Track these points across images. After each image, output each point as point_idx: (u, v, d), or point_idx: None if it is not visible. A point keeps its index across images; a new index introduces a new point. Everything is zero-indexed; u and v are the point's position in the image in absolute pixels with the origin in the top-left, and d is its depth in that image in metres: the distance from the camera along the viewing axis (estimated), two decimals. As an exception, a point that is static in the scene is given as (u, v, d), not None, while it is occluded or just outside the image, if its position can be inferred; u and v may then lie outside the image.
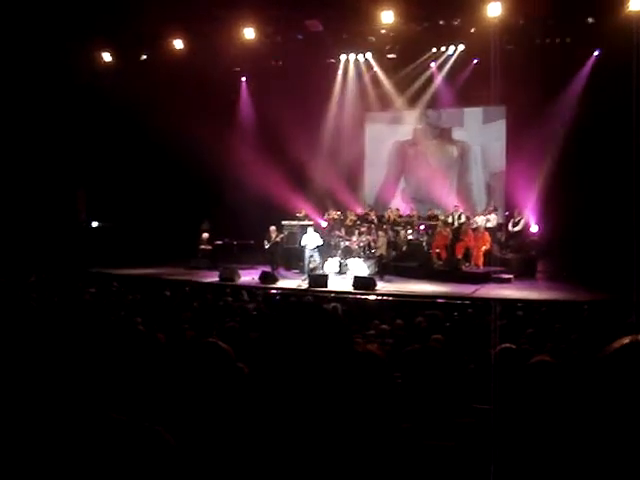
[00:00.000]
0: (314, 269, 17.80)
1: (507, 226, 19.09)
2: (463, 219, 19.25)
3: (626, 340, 1.91)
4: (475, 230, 18.24)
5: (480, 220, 19.13)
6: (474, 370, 5.28)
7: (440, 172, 22.35)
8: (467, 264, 17.78)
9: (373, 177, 23.70)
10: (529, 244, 18.58)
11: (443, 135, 22.91)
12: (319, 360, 1.87)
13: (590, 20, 17.38)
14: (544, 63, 19.51)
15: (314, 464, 1.89)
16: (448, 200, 20.99)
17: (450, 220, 19.55)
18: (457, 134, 22.70)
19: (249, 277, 17.37)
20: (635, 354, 1.87)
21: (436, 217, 20.01)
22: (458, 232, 18.61)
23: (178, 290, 14.23)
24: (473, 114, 22.28)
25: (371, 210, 21.44)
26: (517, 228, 18.73)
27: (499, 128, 21.58)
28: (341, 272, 18.36)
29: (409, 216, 20.79)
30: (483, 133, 22.13)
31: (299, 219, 20.36)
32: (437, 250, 18.24)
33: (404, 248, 19.10)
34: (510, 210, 19.71)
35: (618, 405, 1.84)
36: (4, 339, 3.39)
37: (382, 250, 18.02)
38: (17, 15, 18.09)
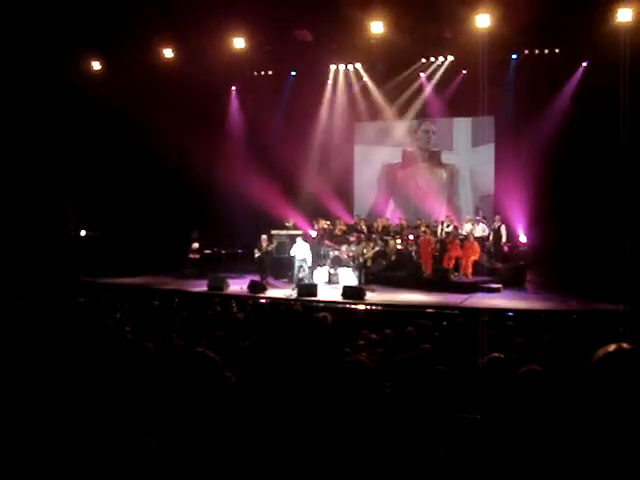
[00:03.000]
0: (303, 278, 17.78)
1: (496, 240, 18.96)
2: (450, 228, 19.24)
3: (611, 348, 1.92)
4: (464, 240, 18.26)
5: (467, 227, 19.15)
6: (463, 379, 5.28)
7: (429, 195, 22.39)
8: (456, 274, 17.81)
9: (362, 199, 23.78)
10: (518, 254, 18.62)
11: (432, 158, 23.00)
12: (309, 370, 1.86)
13: (578, 31, 17.47)
14: (533, 74, 19.66)
15: (303, 473, 1.88)
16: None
17: (439, 229, 19.57)
18: (446, 157, 22.79)
19: (238, 286, 17.33)
20: (620, 361, 1.88)
21: (418, 227, 19.97)
22: (445, 242, 18.66)
23: (167, 299, 14.18)
24: (462, 137, 22.41)
25: (360, 220, 21.43)
26: (504, 238, 18.74)
27: (488, 151, 21.69)
28: (330, 282, 18.37)
29: (398, 225, 20.80)
30: (472, 156, 22.25)
31: (288, 228, 20.35)
32: (429, 261, 18.29)
33: (393, 258, 19.10)
34: (488, 223, 19.57)
35: (605, 412, 1.84)
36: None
37: (368, 262, 18.05)
38: (6, 24, 18.05)
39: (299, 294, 16.09)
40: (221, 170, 21.84)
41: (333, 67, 22.39)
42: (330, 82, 22.87)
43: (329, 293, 16.63)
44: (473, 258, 17.80)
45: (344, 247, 19.00)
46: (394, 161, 23.45)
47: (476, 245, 17.92)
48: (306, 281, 17.60)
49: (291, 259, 18.22)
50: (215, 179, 21.75)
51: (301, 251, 17.87)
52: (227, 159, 22.25)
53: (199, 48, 19.93)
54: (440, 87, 21.47)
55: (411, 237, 19.57)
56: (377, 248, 18.62)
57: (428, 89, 21.80)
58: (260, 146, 22.27)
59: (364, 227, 20.76)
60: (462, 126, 22.38)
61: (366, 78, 22.27)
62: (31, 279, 17.23)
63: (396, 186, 23.35)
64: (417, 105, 22.20)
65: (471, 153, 22.26)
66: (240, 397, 2.62)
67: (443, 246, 18.57)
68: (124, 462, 1.67)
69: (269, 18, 18.39)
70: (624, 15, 16.34)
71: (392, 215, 22.29)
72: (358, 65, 22.03)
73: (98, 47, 20.88)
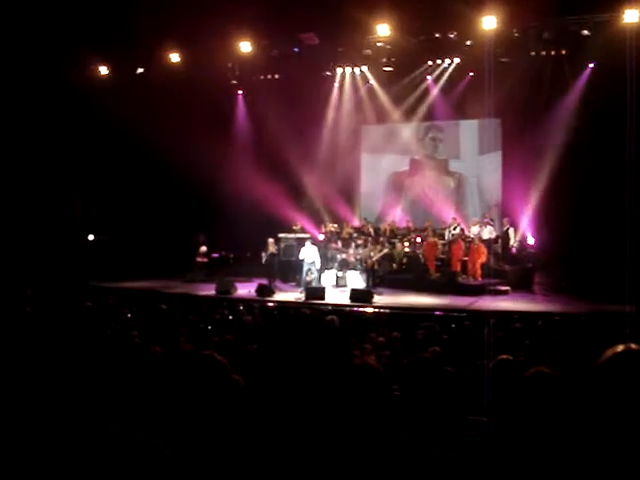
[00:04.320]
0: (311, 282, 17.76)
1: (504, 242, 18.87)
2: (457, 231, 19.21)
3: (619, 348, 1.92)
4: (471, 242, 18.22)
5: (475, 230, 19.11)
6: (471, 382, 5.28)
7: (437, 203, 22.32)
8: (464, 276, 17.76)
9: (370, 205, 23.75)
10: (526, 256, 18.55)
11: (440, 166, 22.94)
12: (317, 372, 1.87)
13: (585, 32, 17.43)
14: (539, 76, 19.59)
15: (312, 475, 1.88)
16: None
17: (446, 232, 19.57)
18: (454, 165, 22.76)
19: (245, 290, 17.34)
20: (628, 362, 1.88)
21: (426, 229, 19.97)
22: (451, 244, 18.64)
23: (174, 303, 14.18)
24: (469, 145, 22.36)
25: (367, 223, 21.43)
26: (512, 241, 18.65)
27: (495, 158, 21.64)
28: (338, 284, 18.35)
29: (406, 228, 20.79)
30: (479, 164, 22.20)
31: (295, 232, 20.34)
32: (433, 262, 18.28)
33: (404, 260, 19.08)
34: (496, 226, 19.55)
35: (613, 412, 1.84)
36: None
37: (376, 265, 18.06)
38: (14, 29, 18.13)
39: (307, 297, 16.10)
40: (228, 174, 21.85)
41: (339, 70, 22.36)
42: (337, 85, 22.87)
43: (337, 296, 16.64)
44: (480, 260, 17.74)
45: (351, 250, 19.00)
46: (401, 169, 23.42)
47: (482, 247, 17.83)
48: (314, 284, 17.60)
49: (299, 262, 18.20)
50: (222, 183, 21.73)
51: (310, 254, 17.85)
52: (234, 163, 22.25)
53: (205, 52, 19.98)
54: (447, 89, 21.45)
55: (418, 240, 19.57)
56: (385, 251, 18.59)
57: (435, 91, 21.78)
58: (267, 150, 22.27)
59: (371, 230, 20.75)
60: (469, 133, 22.32)
61: (372, 81, 22.27)
62: (39, 284, 17.26)
63: (403, 194, 23.32)
64: (424, 108, 22.16)
65: (478, 161, 22.21)
66: (248, 400, 2.62)
67: (450, 249, 18.55)
68: (131, 464, 1.67)
69: (275, 21, 18.41)
70: (631, 16, 16.30)
71: (399, 220, 22.26)
72: (364, 68, 21.99)
73: (105, 52, 20.97)
